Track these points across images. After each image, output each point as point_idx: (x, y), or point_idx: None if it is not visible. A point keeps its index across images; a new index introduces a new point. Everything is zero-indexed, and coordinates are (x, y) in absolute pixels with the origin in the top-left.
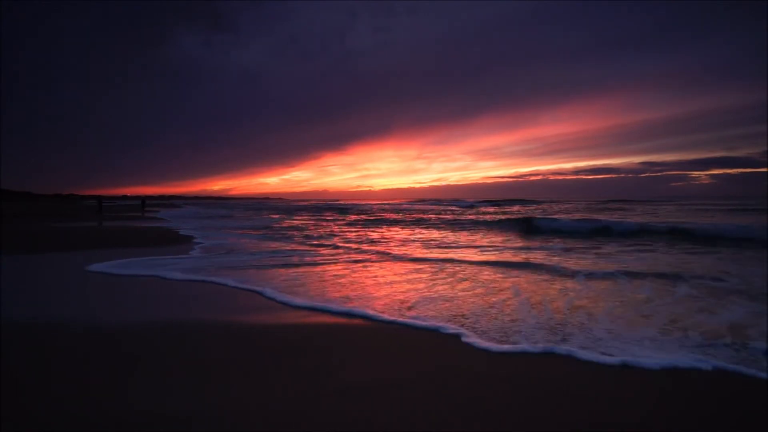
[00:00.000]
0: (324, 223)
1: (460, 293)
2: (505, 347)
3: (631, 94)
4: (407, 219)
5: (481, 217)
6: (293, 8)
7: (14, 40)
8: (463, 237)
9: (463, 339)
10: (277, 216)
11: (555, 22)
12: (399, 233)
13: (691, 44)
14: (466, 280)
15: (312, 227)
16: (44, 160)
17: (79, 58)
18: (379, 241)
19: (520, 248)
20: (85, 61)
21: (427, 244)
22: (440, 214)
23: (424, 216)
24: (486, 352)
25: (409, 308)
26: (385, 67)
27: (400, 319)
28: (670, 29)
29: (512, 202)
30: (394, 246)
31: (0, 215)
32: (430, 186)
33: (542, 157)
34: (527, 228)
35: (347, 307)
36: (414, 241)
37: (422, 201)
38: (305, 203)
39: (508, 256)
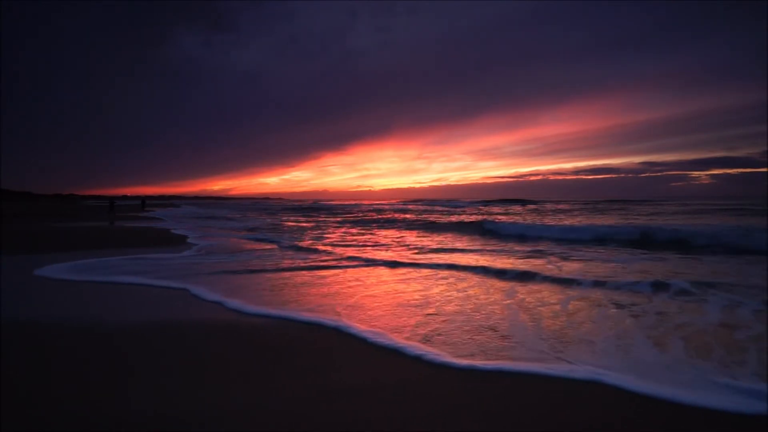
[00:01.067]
0: (304, 225)
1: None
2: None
3: (631, 94)
4: (383, 218)
5: (460, 218)
6: (293, 8)
7: (14, 40)
8: (427, 239)
9: (425, 355)
10: (269, 217)
11: (555, 22)
12: (369, 235)
13: (691, 44)
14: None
15: (293, 229)
16: (44, 160)
17: (79, 58)
18: (339, 244)
19: (465, 249)
20: (85, 61)
21: (401, 246)
22: (423, 215)
23: (413, 217)
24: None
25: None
26: (385, 67)
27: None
28: (670, 29)
29: (512, 202)
30: (355, 250)
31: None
32: (430, 186)
33: (542, 157)
34: (482, 230)
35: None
36: (388, 244)
37: (417, 201)
38: (298, 204)
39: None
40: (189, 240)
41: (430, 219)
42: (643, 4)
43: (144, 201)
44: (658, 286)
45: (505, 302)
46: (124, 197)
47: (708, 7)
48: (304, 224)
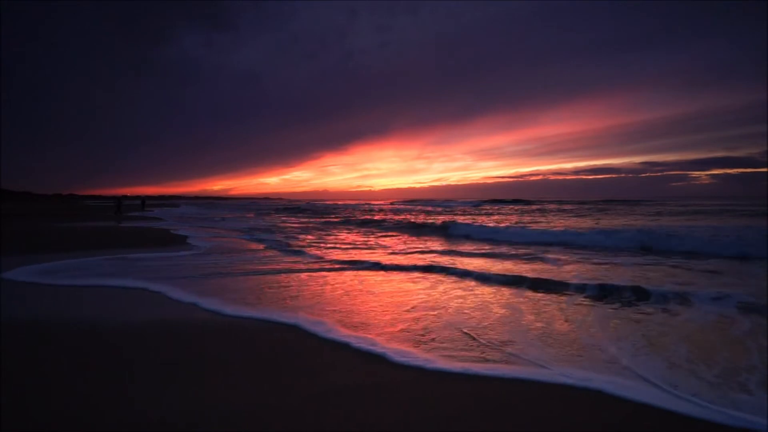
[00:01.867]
0: (292, 225)
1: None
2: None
3: (631, 94)
4: (377, 219)
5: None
6: (293, 8)
7: (14, 40)
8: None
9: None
10: (265, 218)
11: (555, 22)
12: (350, 237)
13: (691, 44)
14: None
15: (285, 230)
16: (44, 160)
17: (80, 58)
18: (325, 246)
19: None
20: (85, 61)
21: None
22: (411, 216)
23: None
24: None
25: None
26: (385, 67)
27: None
28: (670, 29)
29: (513, 202)
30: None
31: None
32: (430, 186)
33: (542, 157)
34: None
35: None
36: (373, 247)
37: (414, 202)
38: (290, 204)
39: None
40: (187, 240)
41: (411, 220)
42: (644, 4)
43: (144, 201)
44: (640, 292)
45: (489, 304)
46: (124, 197)
47: (708, 7)
48: (293, 225)
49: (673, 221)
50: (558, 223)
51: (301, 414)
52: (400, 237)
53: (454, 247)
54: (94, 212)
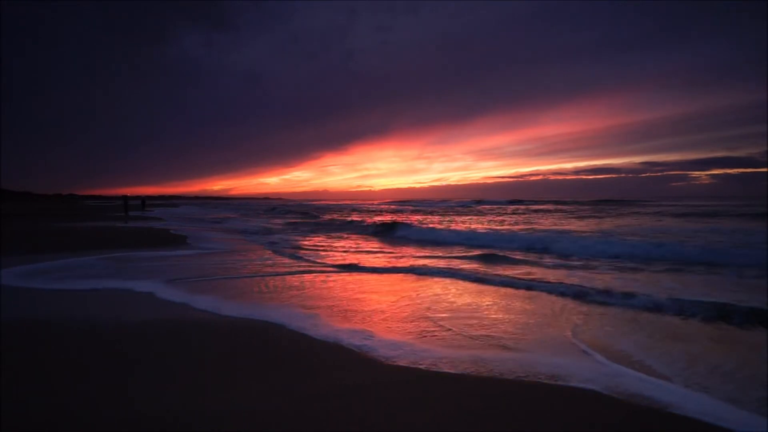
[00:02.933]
0: (279, 226)
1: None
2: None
3: (631, 94)
4: (369, 222)
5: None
6: (293, 8)
7: (14, 40)
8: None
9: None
10: (261, 218)
11: (555, 23)
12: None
13: (691, 44)
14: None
15: (280, 231)
16: (44, 160)
17: (79, 57)
18: (317, 249)
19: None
20: (84, 61)
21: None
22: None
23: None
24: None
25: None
26: (385, 67)
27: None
28: (670, 29)
29: (509, 202)
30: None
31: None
32: (430, 186)
33: (542, 157)
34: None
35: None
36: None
37: (408, 202)
38: (283, 205)
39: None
40: (186, 241)
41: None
42: (644, 4)
43: (144, 201)
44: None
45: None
46: (125, 197)
47: (708, 7)
48: (280, 225)
49: (644, 222)
50: (552, 224)
51: (301, 414)
52: (375, 237)
53: (421, 251)
54: (94, 212)
